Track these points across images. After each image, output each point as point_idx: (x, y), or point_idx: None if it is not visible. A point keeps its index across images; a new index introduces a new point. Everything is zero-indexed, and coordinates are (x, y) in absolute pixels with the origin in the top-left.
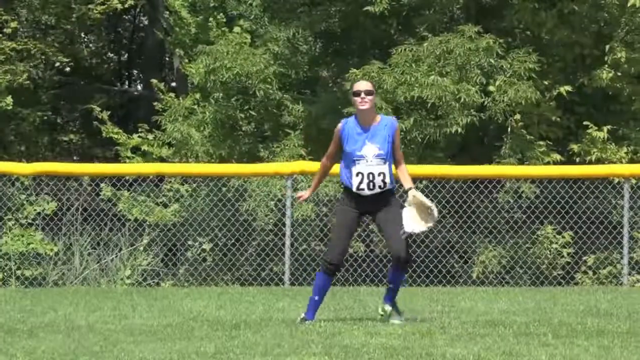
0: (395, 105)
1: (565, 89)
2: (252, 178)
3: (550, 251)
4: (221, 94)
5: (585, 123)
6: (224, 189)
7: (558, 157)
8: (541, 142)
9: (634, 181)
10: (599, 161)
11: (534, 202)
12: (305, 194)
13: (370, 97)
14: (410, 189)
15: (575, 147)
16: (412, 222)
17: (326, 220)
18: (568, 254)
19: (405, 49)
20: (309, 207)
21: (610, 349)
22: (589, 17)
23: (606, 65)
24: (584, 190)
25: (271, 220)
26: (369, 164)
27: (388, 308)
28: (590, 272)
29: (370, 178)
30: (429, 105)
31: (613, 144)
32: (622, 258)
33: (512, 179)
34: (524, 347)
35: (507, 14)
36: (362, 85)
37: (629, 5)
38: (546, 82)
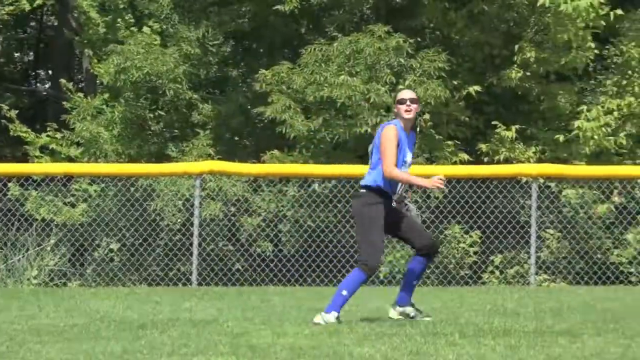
0: (305, 105)
1: (474, 88)
2: (161, 178)
3: (457, 251)
4: (131, 94)
5: (493, 123)
6: (132, 188)
7: (466, 156)
8: (450, 142)
9: (541, 181)
10: (507, 161)
11: (442, 202)
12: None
13: (415, 106)
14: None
15: (483, 146)
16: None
17: (234, 220)
18: (475, 253)
19: (314, 49)
20: (217, 207)
21: (517, 348)
22: (499, 17)
23: (515, 65)
24: (492, 190)
25: (179, 220)
26: (407, 171)
27: (410, 309)
28: (498, 272)
29: (404, 185)
30: (339, 105)
31: (521, 143)
32: (529, 258)
33: None
34: (431, 347)
35: (417, 13)
36: (408, 93)
37: (538, 5)
38: (455, 82)
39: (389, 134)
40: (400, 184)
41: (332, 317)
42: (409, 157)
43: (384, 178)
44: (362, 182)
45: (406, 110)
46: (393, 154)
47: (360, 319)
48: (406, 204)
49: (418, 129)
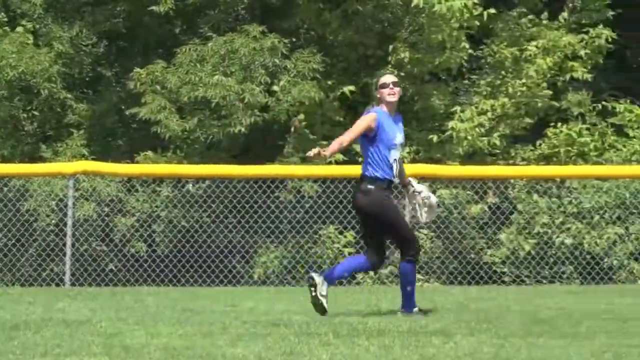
0: (179, 105)
1: (348, 89)
2: (34, 178)
3: (332, 251)
4: (5, 93)
5: None
6: (5, 189)
7: (341, 156)
8: (324, 142)
9: (415, 181)
10: None
11: (316, 202)
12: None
13: (398, 89)
14: (409, 183)
15: (357, 147)
16: (424, 212)
17: (107, 220)
18: (350, 253)
19: (189, 49)
20: (91, 207)
21: (390, 348)
22: (373, 17)
23: (389, 65)
24: None
25: (52, 221)
26: (398, 152)
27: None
28: (372, 272)
29: (400, 164)
30: (213, 105)
31: None
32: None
33: (294, 179)
34: (305, 347)
35: (292, 14)
36: (390, 77)
37: (412, 5)
38: (330, 82)
39: (361, 120)
40: (395, 164)
41: (415, 312)
42: (398, 138)
43: (378, 167)
44: (366, 174)
45: (389, 94)
46: (351, 135)
47: (234, 319)
48: (413, 186)
49: (292, 130)
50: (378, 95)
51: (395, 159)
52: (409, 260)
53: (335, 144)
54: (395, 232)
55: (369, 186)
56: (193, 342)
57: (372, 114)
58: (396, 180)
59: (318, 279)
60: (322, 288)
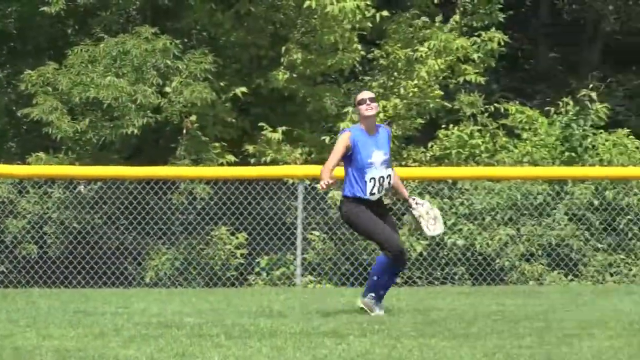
0: (71, 106)
1: (241, 90)
2: None
3: (224, 252)
4: None
5: (260, 124)
6: None
7: (233, 158)
8: (216, 144)
9: (307, 182)
10: (273, 162)
11: (208, 204)
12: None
13: (375, 104)
14: (410, 197)
15: (250, 148)
16: (430, 225)
17: None
18: (242, 255)
19: (81, 50)
20: None
21: (283, 349)
22: (266, 18)
23: (282, 67)
24: (259, 192)
25: None
26: (378, 169)
27: (381, 312)
28: (264, 273)
29: (381, 182)
30: (105, 106)
31: (288, 145)
32: (295, 259)
33: (186, 180)
34: (197, 348)
35: (184, 15)
36: (366, 93)
37: (304, 6)
38: (222, 84)
39: (338, 141)
40: (373, 183)
41: (368, 300)
42: (375, 156)
43: (353, 184)
44: (342, 191)
45: (366, 109)
46: (333, 159)
47: (126, 321)
48: (414, 199)
49: (184, 131)
50: (358, 113)
51: (372, 178)
52: (385, 254)
53: (325, 172)
54: (371, 238)
55: (342, 202)
56: (85, 344)
57: (346, 132)
58: (374, 198)
59: (364, 301)
60: (374, 308)
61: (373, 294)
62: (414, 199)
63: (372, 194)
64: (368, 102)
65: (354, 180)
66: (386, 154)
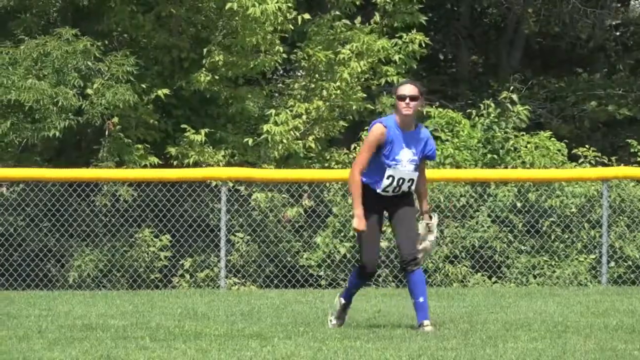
0: None
1: (163, 92)
2: None
3: (147, 254)
4: None
5: (183, 126)
6: None
7: (156, 160)
8: (139, 146)
9: (231, 184)
10: (196, 164)
11: (131, 206)
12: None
13: (414, 103)
14: (429, 210)
15: (173, 150)
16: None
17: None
18: (165, 257)
19: (1, 52)
20: None
21: (208, 351)
22: (187, 20)
23: (204, 69)
24: (182, 194)
25: None
26: (402, 169)
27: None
28: (188, 276)
29: (400, 183)
30: (27, 108)
31: (211, 147)
32: (219, 261)
33: (109, 182)
34: (122, 351)
35: (105, 17)
36: (408, 89)
37: (226, 8)
38: (144, 85)
39: (370, 134)
40: (391, 180)
41: (337, 304)
42: (402, 154)
43: (370, 176)
44: None
45: (405, 108)
46: (364, 157)
47: (50, 323)
48: (431, 217)
49: (107, 133)
50: (396, 104)
51: (391, 176)
52: (359, 266)
53: (355, 170)
54: (358, 243)
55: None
56: (9, 347)
57: (379, 125)
58: (388, 195)
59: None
60: (331, 315)
61: (343, 299)
62: (431, 217)
63: (385, 191)
64: (408, 100)
65: (374, 169)
66: (416, 154)
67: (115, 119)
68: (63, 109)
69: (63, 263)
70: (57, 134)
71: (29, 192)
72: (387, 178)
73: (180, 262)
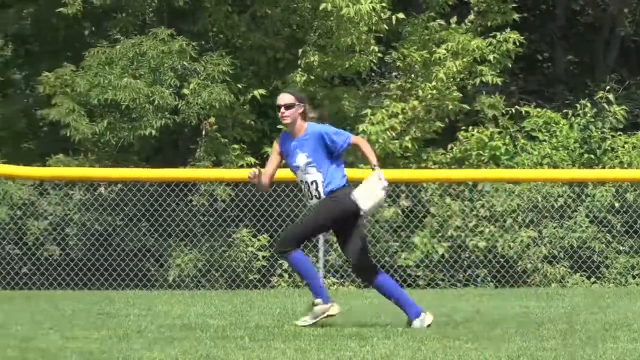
0: (89, 108)
1: (259, 92)
2: None
3: (246, 254)
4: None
5: (279, 127)
6: None
7: (253, 160)
8: (236, 146)
9: None
10: None
11: (229, 206)
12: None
13: (290, 111)
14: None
15: (269, 150)
16: (365, 199)
17: (21, 223)
18: (264, 257)
19: (98, 52)
20: (4, 211)
21: (307, 351)
22: (282, 20)
23: (300, 69)
24: (280, 194)
25: None
26: (302, 174)
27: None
28: (287, 276)
29: (308, 188)
30: (123, 107)
31: None
32: (317, 261)
33: (207, 182)
34: (221, 351)
35: (200, 17)
36: (281, 99)
37: (320, 9)
38: (240, 86)
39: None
40: (302, 186)
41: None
42: (299, 160)
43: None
44: None
45: (282, 117)
46: (267, 165)
47: (150, 323)
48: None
49: (203, 133)
50: None
51: (300, 182)
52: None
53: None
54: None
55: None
56: (109, 346)
57: (276, 139)
58: (310, 202)
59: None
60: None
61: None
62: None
63: (305, 197)
64: (283, 110)
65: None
66: (309, 156)
67: (212, 119)
68: (159, 108)
69: (162, 263)
70: (154, 132)
71: (127, 192)
72: (301, 183)
73: (279, 262)
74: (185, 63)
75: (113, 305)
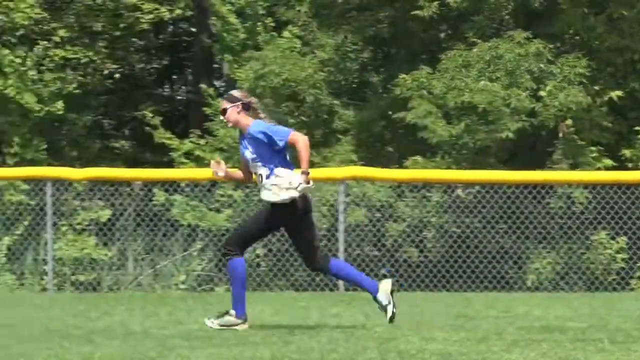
0: (445, 110)
1: (616, 94)
2: None
3: (604, 256)
4: (271, 100)
5: (636, 128)
6: None
7: (610, 162)
8: (593, 148)
9: None
10: None
11: (587, 208)
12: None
13: (226, 115)
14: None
15: (627, 152)
16: (277, 191)
17: (379, 225)
18: (622, 259)
19: (454, 54)
20: (362, 213)
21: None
22: (639, 21)
23: None
24: (637, 196)
25: (324, 226)
26: (254, 167)
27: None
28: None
29: (260, 178)
30: (480, 110)
31: None
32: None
33: (564, 185)
34: (580, 353)
35: (556, 19)
36: (222, 102)
37: None
38: (597, 87)
39: None
40: (259, 177)
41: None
42: (247, 154)
43: None
44: None
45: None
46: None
47: (508, 324)
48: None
49: (560, 134)
50: None
51: (255, 173)
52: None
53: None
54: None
55: None
56: (468, 348)
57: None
58: (260, 195)
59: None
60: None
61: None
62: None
63: (260, 189)
64: (221, 115)
65: None
66: (253, 152)
67: (569, 121)
68: (516, 110)
69: (520, 265)
70: (510, 135)
71: (484, 194)
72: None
73: (638, 264)
74: (541, 65)
75: (471, 307)
